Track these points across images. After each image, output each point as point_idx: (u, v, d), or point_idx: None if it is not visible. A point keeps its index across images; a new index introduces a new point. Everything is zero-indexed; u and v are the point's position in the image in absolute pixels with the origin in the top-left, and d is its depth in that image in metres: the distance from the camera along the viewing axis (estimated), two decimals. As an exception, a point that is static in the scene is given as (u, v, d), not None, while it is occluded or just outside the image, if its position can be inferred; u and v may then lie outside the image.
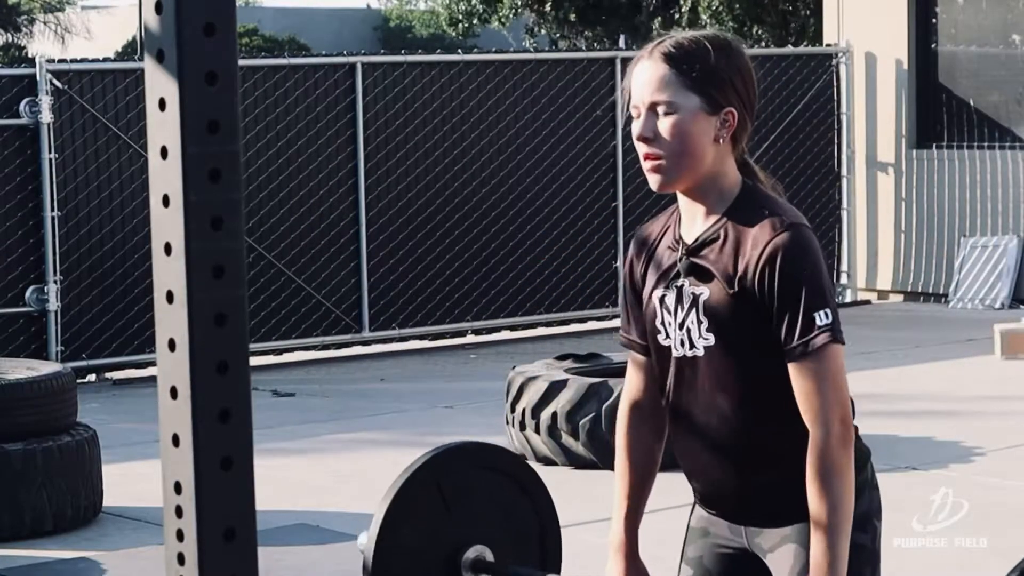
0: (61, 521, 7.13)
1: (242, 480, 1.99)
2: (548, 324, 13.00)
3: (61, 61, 11.50)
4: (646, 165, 3.07)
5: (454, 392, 10.56)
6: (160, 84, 1.95)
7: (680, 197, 3.13)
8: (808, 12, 22.03)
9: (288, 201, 11.98)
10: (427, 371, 11.62)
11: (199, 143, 1.93)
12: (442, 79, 12.54)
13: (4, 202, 11.03)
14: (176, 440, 1.98)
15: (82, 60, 11.75)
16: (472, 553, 3.08)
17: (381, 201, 12.29)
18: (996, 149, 13.93)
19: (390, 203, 12.33)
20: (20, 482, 7.02)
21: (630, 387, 3.31)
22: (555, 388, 8.10)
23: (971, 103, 14.20)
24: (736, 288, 3.02)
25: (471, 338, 12.77)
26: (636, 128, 3.07)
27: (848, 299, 14.37)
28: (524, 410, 8.15)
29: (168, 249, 1.96)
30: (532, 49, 25.30)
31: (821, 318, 2.97)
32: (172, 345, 1.97)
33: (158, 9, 1.93)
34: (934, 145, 14.27)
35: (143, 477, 7.98)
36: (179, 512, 1.98)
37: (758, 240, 3.00)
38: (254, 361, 11.08)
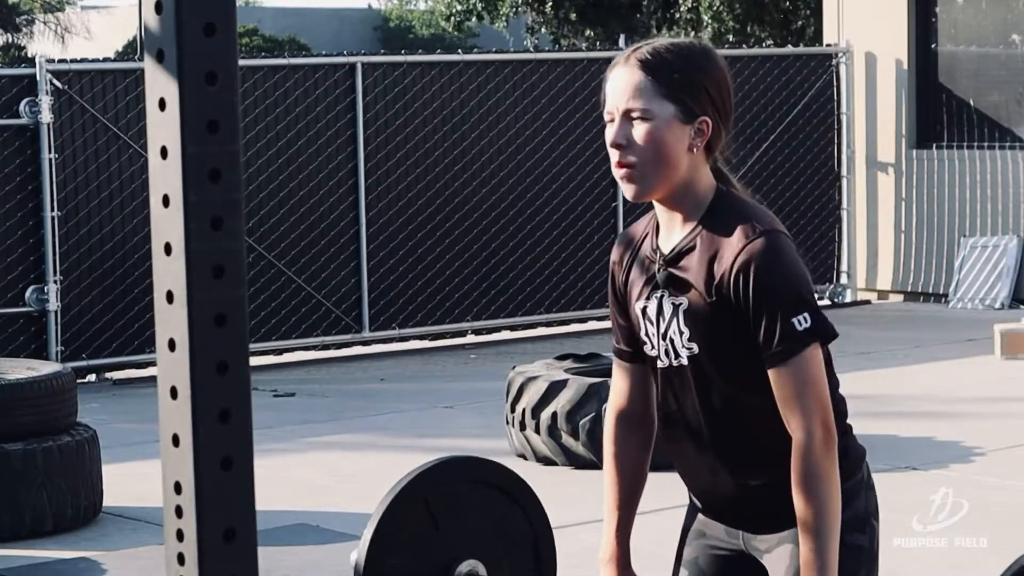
0: (61, 521, 7.13)
1: (242, 480, 1.99)
2: (548, 324, 13.00)
3: (61, 61, 11.49)
4: (619, 173, 3.04)
5: (454, 392, 10.56)
6: (160, 84, 1.95)
7: (656, 206, 3.11)
8: (808, 12, 22.03)
9: (288, 201, 11.98)
10: (427, 371, 11.62)
11: (199, 143, 1.94)
12: (442, 79, 12.54)
13: (4, 202, 11.03)
14: (176, 440, 1.98)
15: (82, 60, 11.75)
16: (465, 568, 3.06)
17: (381, 201, 12.29)
18: (996, 149, 13.93)
19: (390, 203, 12.33)
20: (20, 482, 7.02)
21: (615, 395, 3.31)
22: (555, 388, 8.10)
23: (971, 103, 14.20)
24: (714, 296, 3.01)
25: (471, 338, 12.77)
26: (609, 134, 3.05)
27: (848, 299, 14.37)
28: (524, 410, 8.15)
29: (168, 249, 1.96)
30: (532, 49, 25.31)
31: (799, 323, 2.95)
32: (172, 345, 1.97)
33: (158, 9, 1.93)
34: (934, 145, 14.27)
35: (143, 477, 7.98)
36: (179, 512, 1.99)
37: (732, 247, 2.99)
38: (254, 361, 11.08)
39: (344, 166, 12.18)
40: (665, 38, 3.12)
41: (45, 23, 36.93)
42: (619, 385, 3.29)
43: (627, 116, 3.03)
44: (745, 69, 13.83)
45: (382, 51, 26.79)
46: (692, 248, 3.04)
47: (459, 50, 20.35)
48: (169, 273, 1.96)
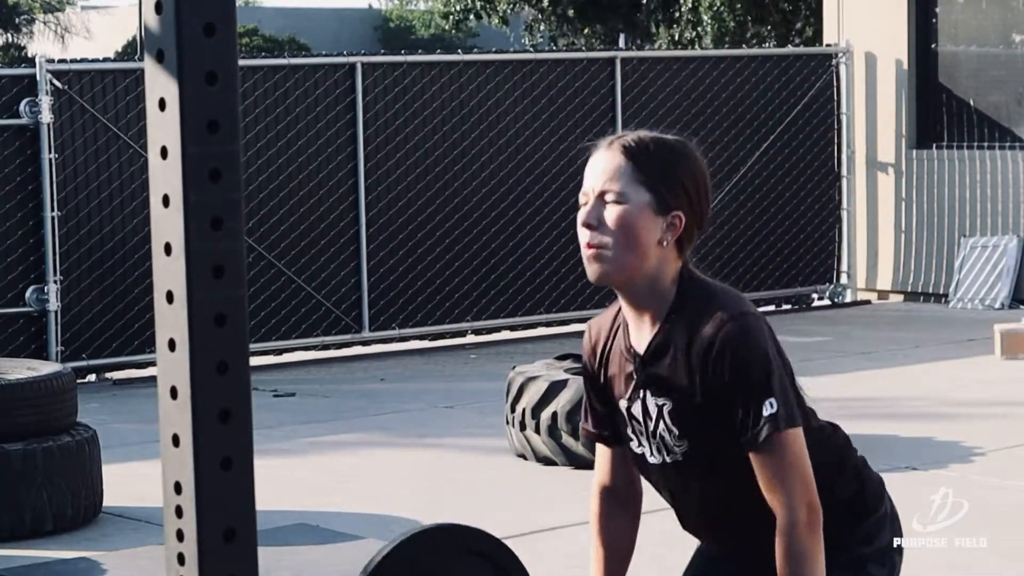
0: (61, 521, 7.13)
1: (242, 480, 1.99)
2: (548, 324, 13.00)
3: (61, 61, 11.49)
4: (587, 253, 3.01)
5: (454, 392, 10.56)
6: (160, 84, 1.95)
7: (622, 301, 3.08)
8: (808, 12, 22.03)
9: (288, 201, 11.97)
10: (427, 371, 11.62)
11: (199, 143, 1.94)
12: (442, 79, 12.55)
13: (4, 202, 11.03)
14: (176, 440, 1.98)
15: (82, 60, 11.75)
16: None
17: (381, 201, 12.29)
18: (996, 149, 13.93)
19: (390, 203, 12.33)
20: (20, 482, 7.02)
21: (600, 473, 3.31)
22: (555, 388, 8.10)
23: (971, 103, 14.19)
24: (696, 393, 3.00)
25: (471, 338, 12.77)
26: (581, 215, 3.02)
27: (848, 299, 14.37)
28: (524, 410, 8.14)
29: (168, 249, 1.96)
30: (531, 47, 25.30)
31: (767, 408, 2.93)
32: (172, 345, 1.97)
33: (158, 9, 1.93)
34: (934, 145, 14.27)
35: (143, 477, 7.97)
36: (179, 512, 1.99)
37: (703, 340, 2.97)
38: (254, 361, 11.08)
39: (344, 166, 12.18)
40: (652, 132, 3.09)
41: (45, 23, 36.93)
42: (603, 463, 3.29)
43: (601, 198, 3.00)
44: (745, 69, 13.83)
45: (382, 51, 26.80)
46: (666, 345, 3.02)
47: (459, 50, 20.35)
48: (169, 273, 1.96)
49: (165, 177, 1.96)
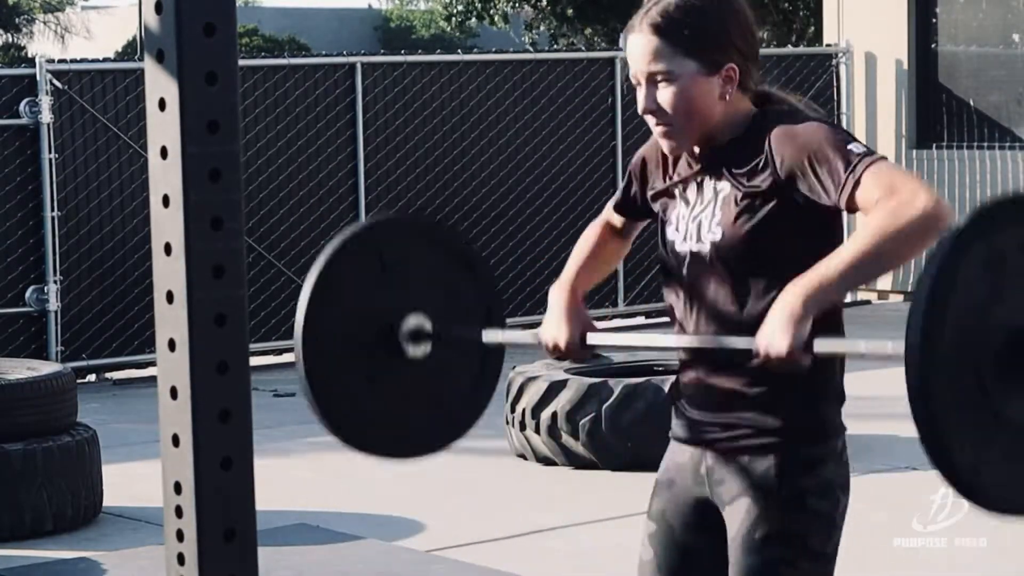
0: (61, 521, 7.12)
1: (242, 480, 1.99)
2: (548, 324, 12.98)
3: (61, 61, 11.49)
4: (657, 131, 3.08)
5: (454, 392, 10.54)
6: (160, 84, 1.95)
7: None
8: (808, 12, 22.03)
9: (288, 201, 11.97)
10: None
11: (199, 143, 1.94)
12: (442, 79, 12.54)
13: (4, 202, 11.03)
14: (176, 440, 1.98)
15: (82, 60, 11.75)
16: (411, 323, 3.01)
17: (381, 201, 12.29)
18: (996, 149, 13.93)
19: (390, 203, 12.33)
20: (20, 482, 7.01)
21: (605, 217, 3.38)
22: (555, 388, 8.10)
23: (971, 103, 14.19)
24: (756, 183, 3.01)
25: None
26: (640, 101, 3.07)
27: (848, 299, 14.36)
28: (524, 410, 8.14)
29: (168, 249, 1.96)
30: (531, 47, 25.30)
31: (855, 148, 2.92)
32: (172, 345, 1.97)
33: (158, 9, 1.93)
34: (934, 145, 14.27)
35: (143, 477, 7.97)
36: (179, 512, 1.99)
37: (775, 131, 2.99)
38: (254, 361, 11.07)
39: (344, 166, 12.18)
40: None
41: (45, 23, 36.93)
42: (610, 218, 3.37)
43: (651, 80, 3.04)
44: (745, 69, 13.83)
45: (382, 51, 26.81)
46: (739, 141, 3.04)
47: (459, 50, 20.35)
48: (169, 273, 1.96)
49: (165, 177, 1.96)
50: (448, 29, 28.88)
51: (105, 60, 12.16)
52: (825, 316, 2.94)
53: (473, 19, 26.04)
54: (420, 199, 12.42)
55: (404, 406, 3.04)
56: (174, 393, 1.98)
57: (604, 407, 7.91)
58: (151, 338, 10.60)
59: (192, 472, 1.97)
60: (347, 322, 2.94)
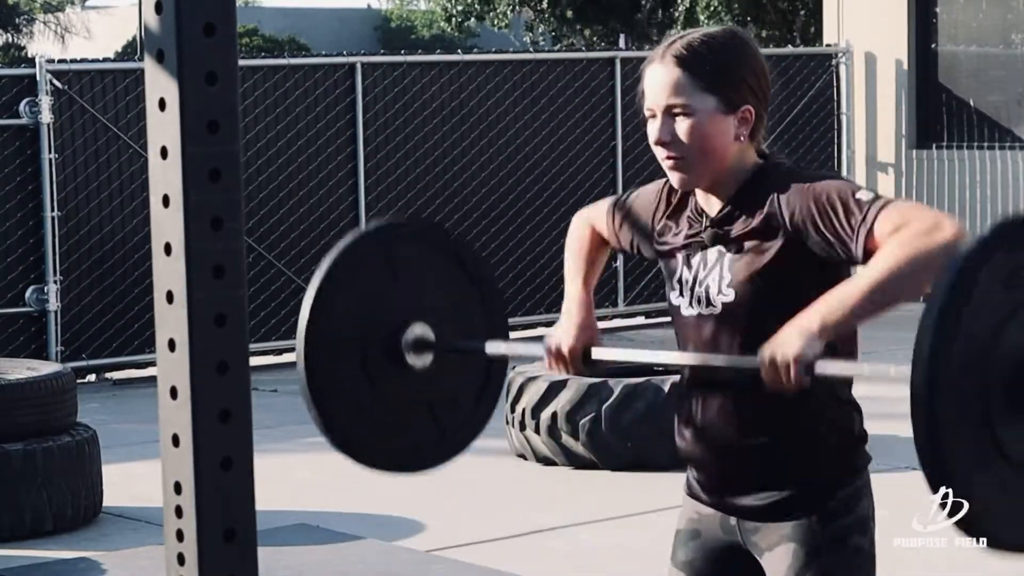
0: (61, 521, 7.13)
1: (242, 480, 1.99)
2: (549, 324, 12.99)
3: (61, 61, 11.49)
4: (667, 164, 3.06)
5: (454, 392, 10.55)
6: (160, 84, 1.95)
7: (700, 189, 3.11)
8: (806, 12, 22.03)
9: (288, 201, 11.97)
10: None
11: (199, 143, 1.93)
12: (442, 79, 12.55)
13: (4, 202, 11.03)
14: (176, 440, 1.98)
15: (82, 60, 11.75)
16: (416, 330, 2.97)
17: (381, 201, 12.29)
18: (996, 149, 13.93)
19: (390, 203, 12.33)
20: (20, 482, 7.02)
21: (590, 223, 3.37)
22: (555, 388, 8.10)
23: (971, 103, 14.19)
24: (762, 243, 2.99)
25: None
26: (653, 132, 3.05)
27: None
28: (524, 410, 8.14)
29: (168, 249, 1.96)
30: (531, 47, 25.30)
31: (863, 196, 2.90)
32: (172, 345, 1.97)
33: (158, 9, 1.93)
34: (934, 145, 14.27)
35: (143, 477, 7.97)
36: (179, 512, 1.99)
37: (782, 192, 2.99)
38: (254, 361, 11.07)
39: (344, 166, 12.18)
40: (699, 29, 3.11)
41: (45, 23, 36.93)
42: (595, 225, 3.36)
43: (668, 112, 3.03)
44: (745, 69, 13.83)
45: (382, 51, 26.81)
46: (743, 204, 3.03)
47: (459, 50, 20.34)
48: (169, 273, 1.96)
49: (165, 177, 1.96)
50: (448, 30, 28.88)
51: (105, 60, 12.17)
52: (842, 343, 2.96)
53: (473, 20, 26.04)
54: (420, 199, 12.42)
55: (405, 417, 3.00)
56: (174, 393, 1.98)
57: (604, 407, 7.91)
58: (151, 338, 10.60)
59: (192, 472, 1.97)
60: (350, 326, 2.90)
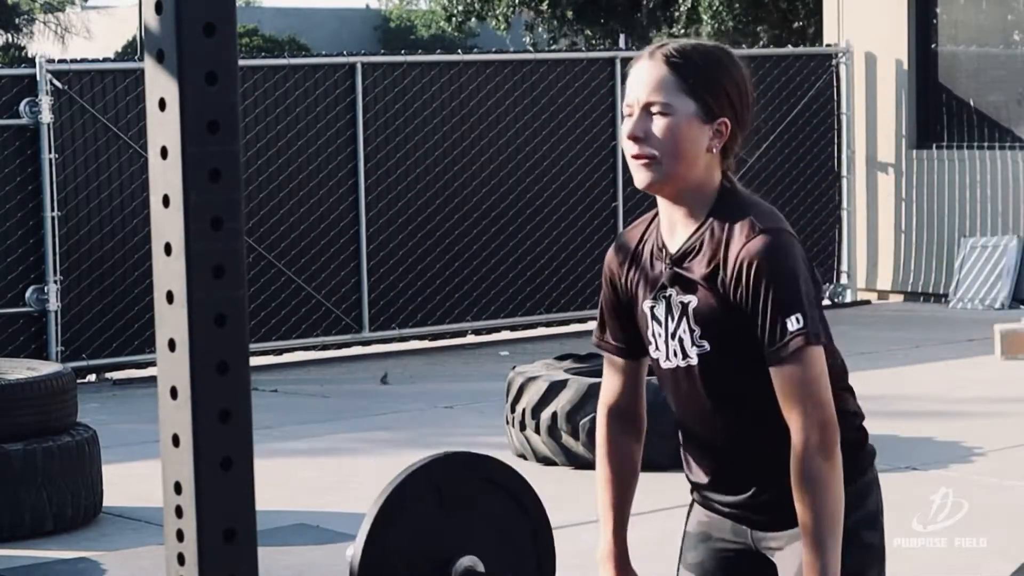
0: (61, 521, 7.13)
1: (242, 480, 1.99)
2: (548, 324, 13.00)
3: (61, 61, 11.49)
4: (635, 163, 3.03)
5: (454, 392, 10.56)
6: (160, 84, 1.95)
7: (660, 202, 3.09)
8: (806, 12, 22.03)
9: (288, 201, 11.97)
10: (427, 371, 11.61)
11: (199, 143, 1.93)
12: (442, 79, 12.54)
13: (4, 202, 11.03)
14: (176, 440, 1.98)
15: (82, 60, 11.75)
16: (465, 563, 3.02)
17: (381, 201, 12.29)
18: (996, 149, 13.93)
19: (390, 203, 12.33)
20: (20, 482, 7.02)
21: (607, 391, 3.29)
22: (555, 388, 8.10)
23: (971, 103, 14.19)
24: (720, 294, 2.99)
25: (471, 338, 12.76)
26: (627, 127, 3.04)
27: (848, 299, 14.36)
28: (524, 410, 8.15)
29: (168, 249, 1.96)
30: (531, 47, 25.30)
31: (793, 323, 2.92)
32: (172, 345, 1.97)
33: (158, 9, 1.93)
34: (934, 145, 14.27)
35: (143, 477, 7.97)
36: (179, 512, 1.98)
37: (734, 246, 2.97)
38: (254, 361, 11.08)
39: (344, 166, 12.18)
40: (690, 39, 3.12)
41: (45, 23, 36.92)
42: (610, 380, 3.28)
43: (647, 109, 3.01)
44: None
45: (382, 51, 26.80)
46: (698, 247, 3.03)
47: (459, 50, 20.34)
48: (169, 273, 1.96)
49: (165, 177, 1.96)
50: (448, 30, 28.89)
51: (105, 60, 12.17)
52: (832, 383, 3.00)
53: (473, 20, 26.04)
54: (420, 199, 12.42)
55: None
56: (174, 393, 1.98)
57: (604, 407, 7.91)
58: (151, 338, 10.60)
59: (192, 472, 1.97)
60: (402, 563, 2.93)
